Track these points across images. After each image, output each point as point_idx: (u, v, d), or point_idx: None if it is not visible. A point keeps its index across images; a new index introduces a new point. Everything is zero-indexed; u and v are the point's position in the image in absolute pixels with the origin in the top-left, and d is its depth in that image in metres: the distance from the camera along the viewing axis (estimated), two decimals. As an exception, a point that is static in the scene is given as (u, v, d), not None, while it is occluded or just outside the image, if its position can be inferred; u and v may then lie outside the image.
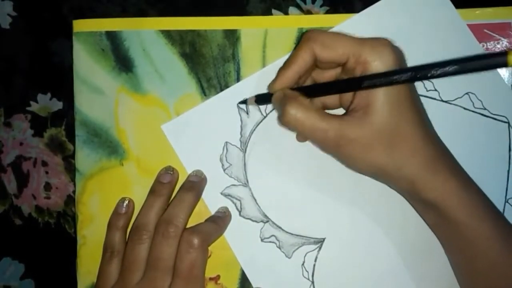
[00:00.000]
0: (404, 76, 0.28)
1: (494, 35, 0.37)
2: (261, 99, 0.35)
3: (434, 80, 0.37)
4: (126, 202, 0.37)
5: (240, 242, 0.37)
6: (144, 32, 0.38)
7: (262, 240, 0.37)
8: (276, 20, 0.38)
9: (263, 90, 0.35)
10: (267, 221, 0.37)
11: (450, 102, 0.37)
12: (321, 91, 0.33)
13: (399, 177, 0.30)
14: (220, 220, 0.36)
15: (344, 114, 0.31)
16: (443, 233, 0.33)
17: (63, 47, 0.39)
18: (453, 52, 0.37)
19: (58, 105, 0.40)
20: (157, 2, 0.39)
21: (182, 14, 0.38)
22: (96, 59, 0.38)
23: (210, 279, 0.37)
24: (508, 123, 0.37)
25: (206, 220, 0.36)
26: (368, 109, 0.29)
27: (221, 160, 0.37)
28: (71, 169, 0.39)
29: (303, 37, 0.32)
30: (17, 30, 0.40)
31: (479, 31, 0.37)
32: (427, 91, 0.37)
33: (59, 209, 0.39)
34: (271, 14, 0.39)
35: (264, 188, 0.37)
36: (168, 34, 0.38)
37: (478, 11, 0.37)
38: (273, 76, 0.33)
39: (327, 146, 0.31)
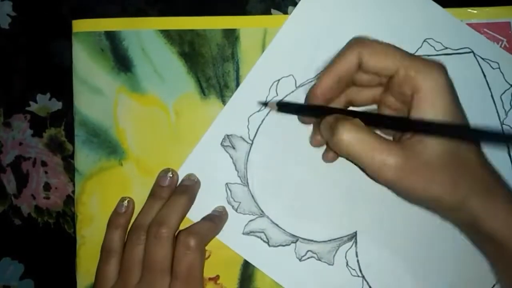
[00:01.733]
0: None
1: (494, 34, 0.37)
2: (285, 108, 0.34)
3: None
4: (126, 201, 0.37)
5: (279, 269, 0.36)
6: (143, 32, 0.38)
7: (300, 260, 0.36)
8: (275, 19, 0.38)
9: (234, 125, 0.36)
10: (297, 240, 0.36)
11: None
12: (378, 122, 0.30)
13: (462, 209, 0.28)
14: (217, 219, 0.36)
15: (402, 141, 0.29)
16: (502, 265, 0.30)
17: (63, 47, 0.39)
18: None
19: (57, 105, 0.40)
20: (156, 2, 0.39)
21: (181, 13, 0.38)
22: (95, 59, 0.38)
23: (210, 279, 0.37)
24: (472, 52, 0.36)
25: (202, 219, 0.36)
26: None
27: (229, 202, 0.37)
28: (70, 169, 0.39)
29: (350, 41, 0.30)
30: (16, 30, 0.40)
31: (479, 31, 0.37)
32: None
33: (58, 209, 0.39)
34: (270, 13, 0.39)
35: (280, 212, 0.37)
36: (167, 34, 0.38)
37: (477, 11, 0.37)
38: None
39: (384, 176, 0.28)
